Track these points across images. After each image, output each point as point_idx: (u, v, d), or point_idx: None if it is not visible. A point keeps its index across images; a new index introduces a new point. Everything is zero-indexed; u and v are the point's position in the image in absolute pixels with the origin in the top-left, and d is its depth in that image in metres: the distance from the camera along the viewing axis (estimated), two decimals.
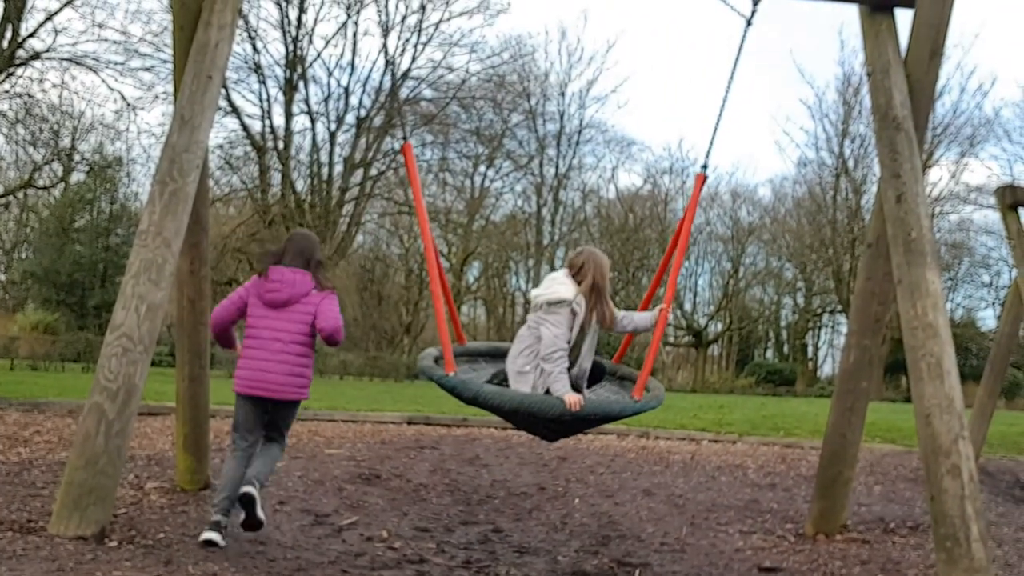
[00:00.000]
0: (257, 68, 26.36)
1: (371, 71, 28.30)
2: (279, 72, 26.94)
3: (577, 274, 4.15)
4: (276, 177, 27.60)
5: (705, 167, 4.61)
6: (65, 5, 20.16)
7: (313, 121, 27.78)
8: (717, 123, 4.62)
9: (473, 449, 8.33)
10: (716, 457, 8.68)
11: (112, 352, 3.83)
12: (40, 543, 3.49)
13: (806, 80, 47.20)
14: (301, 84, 27.33)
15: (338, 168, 28.17)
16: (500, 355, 4.59)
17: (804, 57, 57.34)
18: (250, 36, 25.84)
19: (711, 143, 4.67)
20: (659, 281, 5.21)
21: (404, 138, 5.04)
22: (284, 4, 26.15)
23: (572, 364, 4.08)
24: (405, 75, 27.31)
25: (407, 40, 27.41)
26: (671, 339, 41.17)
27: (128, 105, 23.21)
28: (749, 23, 4.54)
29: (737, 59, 4.59)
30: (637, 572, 4.27)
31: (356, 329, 40.33)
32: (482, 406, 3.93)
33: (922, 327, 3.97)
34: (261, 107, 26.84)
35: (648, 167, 46.10)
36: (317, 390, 16.38)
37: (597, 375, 4.42)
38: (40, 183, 28.21)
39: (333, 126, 27.91)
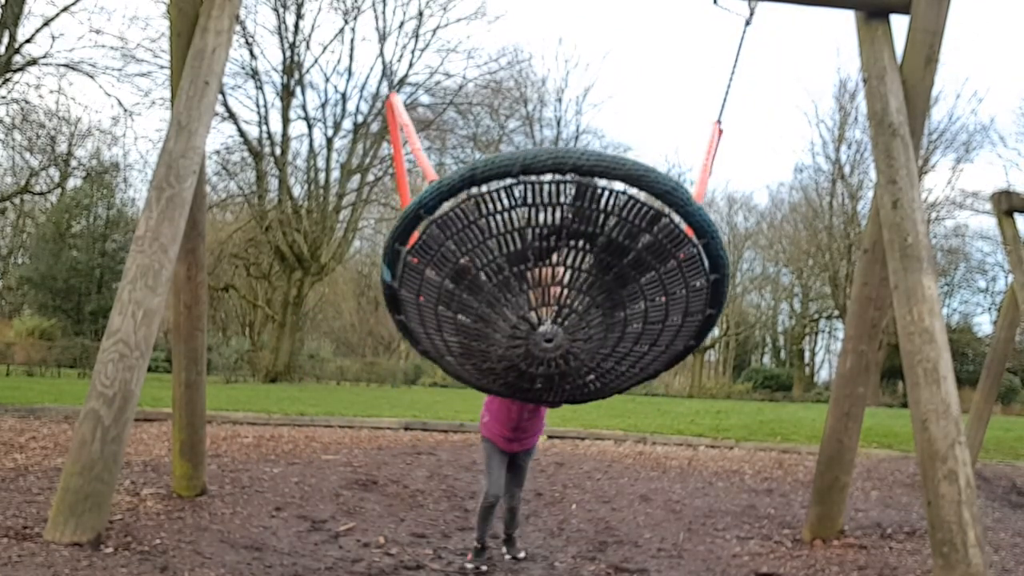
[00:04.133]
0: (254, 74, 26.39)
1: (368, 77, 28.34)
2: (276, 78, 26.98)
3: None
4: (273, 183, 27.62)
5: (720, 120, 4.47)
6: (62, 11, 20.16)
7: (310, 127, 27.83)
8: (728, 85, 4.54)
9: (470, 455, 8.31)
10: (713, 463, 8.68)
11: (108, 358, 3.83)
12: (36, 549, 3.48)
13: (803, 86, 47.43)
14: (298, 90, 27.37)
15: (335, 174, 28.20)
16: None
17: (801, 63, 57.54)
18: (247, 42, 25.88)
19: (724, 99, 4.50)
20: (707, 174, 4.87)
21: (390, 87, 4.90)
22: (281, 10, 26.19)
23: None
24: (402, 81, 27.35)
25: (404, 46, 27.48)
26: None
27: (125, 111, 23.29)
28: (748, 22, 4.59)
29: (739, 51, 4.61)
30: None
31: (353, 335, 40.34)
32: (474, 178, 2.70)
33: (918, 332, 3.97)
34: (258, 113, 26.87)
35: None
36: (314, 396, 16.41)
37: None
38: (37, 189, 28.19)
39: (330, 132, 27.95)
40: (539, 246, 2.74)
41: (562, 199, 2.63)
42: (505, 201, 2.67)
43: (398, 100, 4.32)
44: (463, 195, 2.68)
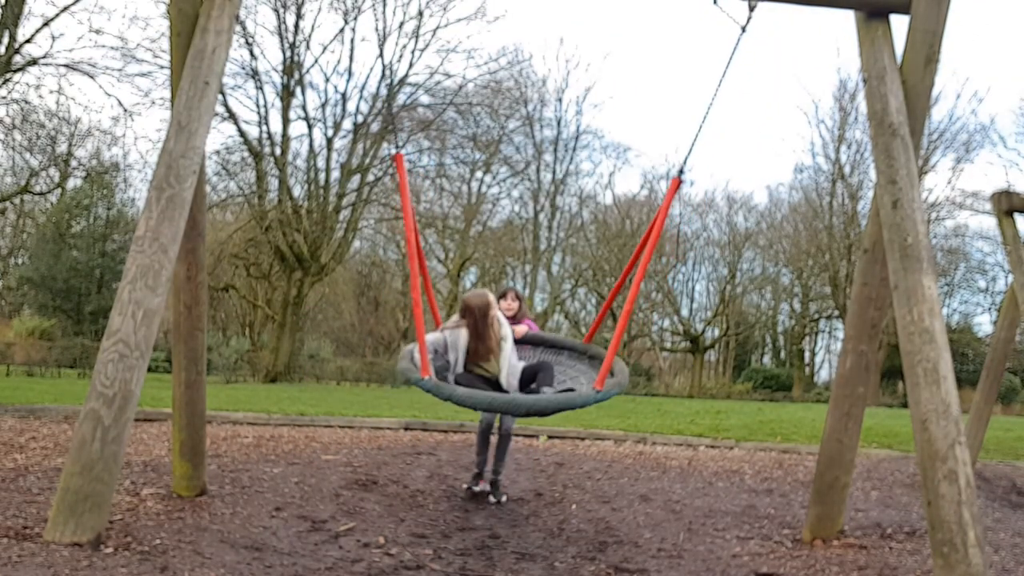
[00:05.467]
0: (254, 74, 26.41)
1: (368, 77, 28.38)
2: (276, 78, 27.00)
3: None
4: (273, 183, 27.63)
5: (682, 172, 4.84)
6: (62, 11, 20.16)
7: (310, 127, 27.85)
8: (699, 130, 4.87)
9: (470, 455, 8.31)
10: (713, 463, 8.68)
11: (108, 358, 3.83)
12: (36, 550, 3.48)
13: (803, 86, 47.44)
14: (298, 90, 27.39)
15: (335, 174, 28.21)
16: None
17: (801, 63, 57.52)
18: (247, 42, 25.90)
19: (690, 148, 5.07)
20: (620, 286, 6.08)
21: (397, 148, 5.35)
22: (282, 10, 26.20)
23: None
24: (402, 81, 27.36)
25: (404, 46, 27.48)
26: (668, 344, 41.22)
27: (125, 111, 23.25)
28: (744, 30, 4.58)
29: (728, 65, 4.64)
30: None
31: (353, 335, 40.35)
32: (456, 403, 4.74)
33: (918, 332, 3.97)
34: (258, 113, 26.90)
35: (645, 173, 46.25)
36: (314, 396, 16.41)
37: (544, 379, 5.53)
38: (37, 189, 28.21)
39: (330, 132, 27.96)
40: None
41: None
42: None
43: (403, 165, 5.00)
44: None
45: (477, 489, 6.25)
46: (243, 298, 32.89)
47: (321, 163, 28.10)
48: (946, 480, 3.72)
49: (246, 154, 27.20)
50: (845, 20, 4.74)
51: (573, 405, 4.86)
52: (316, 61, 27.59)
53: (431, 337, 5.43)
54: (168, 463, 6.16)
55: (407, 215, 5.12)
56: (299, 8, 26.33)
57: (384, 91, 26.62)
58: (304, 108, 27.66)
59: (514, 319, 6.36)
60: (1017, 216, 8.18)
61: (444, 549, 4.68)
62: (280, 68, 26.87)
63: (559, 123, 35.23)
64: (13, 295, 34.50)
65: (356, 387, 26.21)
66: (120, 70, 22.07)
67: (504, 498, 6.14)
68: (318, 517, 5.12)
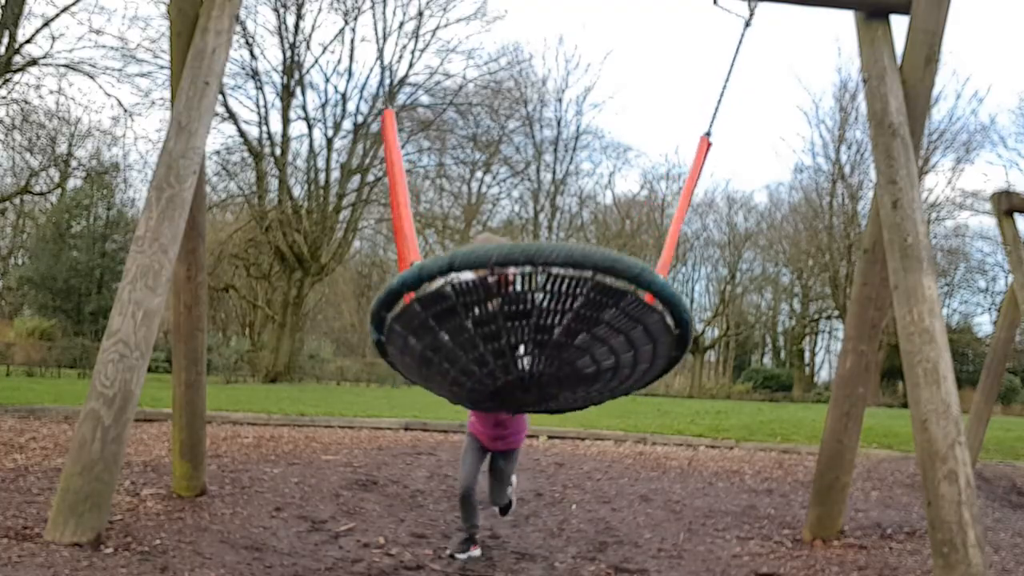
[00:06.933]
0: (254, 74, 26.41)
1: (368, 77, 28.37)
2: (276, 78, 27.00)
3: None
4: (273, 183, 27.63)
5: (709, 133, 4.49)
6: (62, 11, 20.17)
7: (310, 127, 27.84)
8: (722, 93, 4.60)
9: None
10: (713, 463, 8.68)
11: (108, 358, 3.82)
12: (36, 550, 3.48)
13: (803, 86, 47.44)
14: (298, 90, 27.39)
15: (335, 174, 28.20)
16: None
17: (801, 64, 57.52)
18: (247, 42, 25.90)
19: (716, 110, 4.57)
20: (675, 243, 5.17)
21: (385, 105, 4.92)
22: (282, 10, 26.20)
23: None
24: (402, 81, 27.37)
25: (404, 46, 27.49)
26: None
27: (125, 111, 23.27)
28: (748, 24, 4.59)
29: (736, 53, 4.62)
30: None
31: (353, 335, 40.34)
32: (460, 267, 2.91)
33: (918, 332, 3.97)
34: (258, 113, 26.89)
35: (645, 173, 46.29)
36: (314, 396, 16.41)
37: None
38: (37, 189, 28.19)
39: (330, 132, 27.97)
40: (510, 326, 2.93)
41: (534, 287, 2.82)
42: (481, 292, 2.84)
43: (392, 120, 4.20)
44: (441, 280, 2.84)
45: (463, 557, 4.51)
46: (243, 298, 32.87)
47: (321, 163, 28.12)
48: (946, 480, 3.72)
49: (246, 154, 27.20)
50: (845, 20, 4.74)
51: (623, 270, 3.02)
52: (316, 61, 27.61)
53: None
54: (168, 463, 6.16)
55: (391, 172, 4.25)
56: (299, 8, 26.34)
57: (383, 92, 26.63)
58: (304, 108, 27.68)
59: None
60: (1017, 216, 8.18)
61: (444, 549, 4.67)
62: (280, 68, 26.89)
63: (559, 123, 35.27)
64: (13, 295, 34.50)
65: (356, 387, 26.20)
66: (120, 70, 22.12)
67: (510, 516, 5.23)
68: (318, 517, 5.12)
